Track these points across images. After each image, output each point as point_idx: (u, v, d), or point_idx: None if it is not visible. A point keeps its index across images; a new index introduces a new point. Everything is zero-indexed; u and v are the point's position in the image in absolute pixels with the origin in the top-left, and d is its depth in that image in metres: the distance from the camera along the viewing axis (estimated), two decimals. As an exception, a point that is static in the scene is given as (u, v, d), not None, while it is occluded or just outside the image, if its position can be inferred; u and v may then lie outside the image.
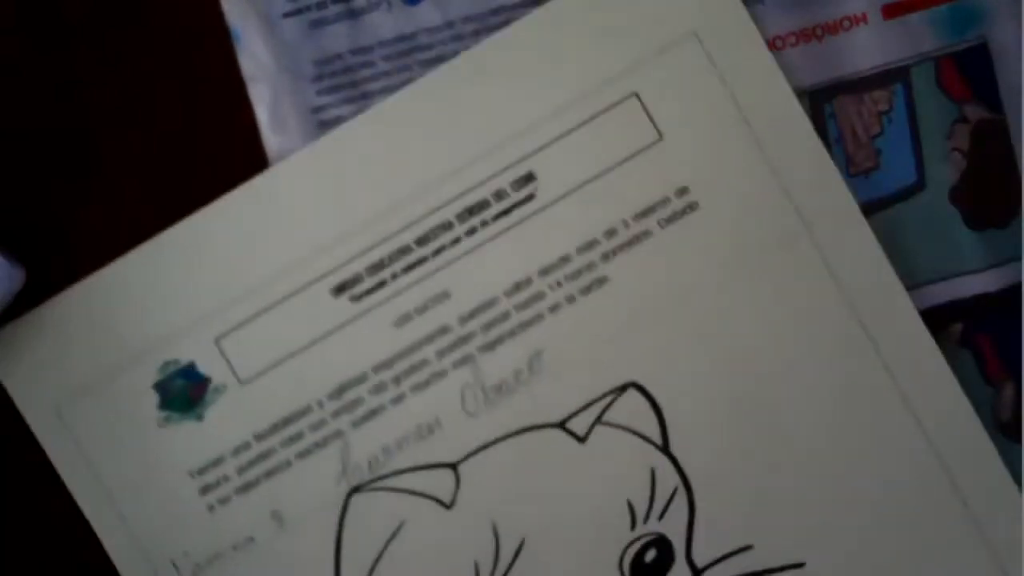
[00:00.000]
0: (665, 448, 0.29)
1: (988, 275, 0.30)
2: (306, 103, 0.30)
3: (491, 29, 0.29)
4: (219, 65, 0.30)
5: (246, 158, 0.30)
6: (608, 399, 0.29)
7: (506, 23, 0.29)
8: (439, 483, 0.29)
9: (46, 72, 0.30)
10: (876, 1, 0.30)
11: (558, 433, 0.29)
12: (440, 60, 0.29)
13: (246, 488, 0.29)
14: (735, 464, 0.29)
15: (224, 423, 0.29)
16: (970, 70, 0.30)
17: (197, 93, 0.30)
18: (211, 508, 0.29)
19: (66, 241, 0.30)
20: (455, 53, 0.29)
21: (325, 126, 0.30)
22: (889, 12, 0.30)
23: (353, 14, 0.30)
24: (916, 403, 0.29)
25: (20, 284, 0.29)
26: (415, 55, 0.30)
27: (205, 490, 0.29)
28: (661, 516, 0.29)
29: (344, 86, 0.30)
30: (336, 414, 0.29)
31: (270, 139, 0.30)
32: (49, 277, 0.30)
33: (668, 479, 0.29)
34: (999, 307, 0.30)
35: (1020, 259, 0.30)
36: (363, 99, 0.30)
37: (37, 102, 0.30)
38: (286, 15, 0.30)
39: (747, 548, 0.29)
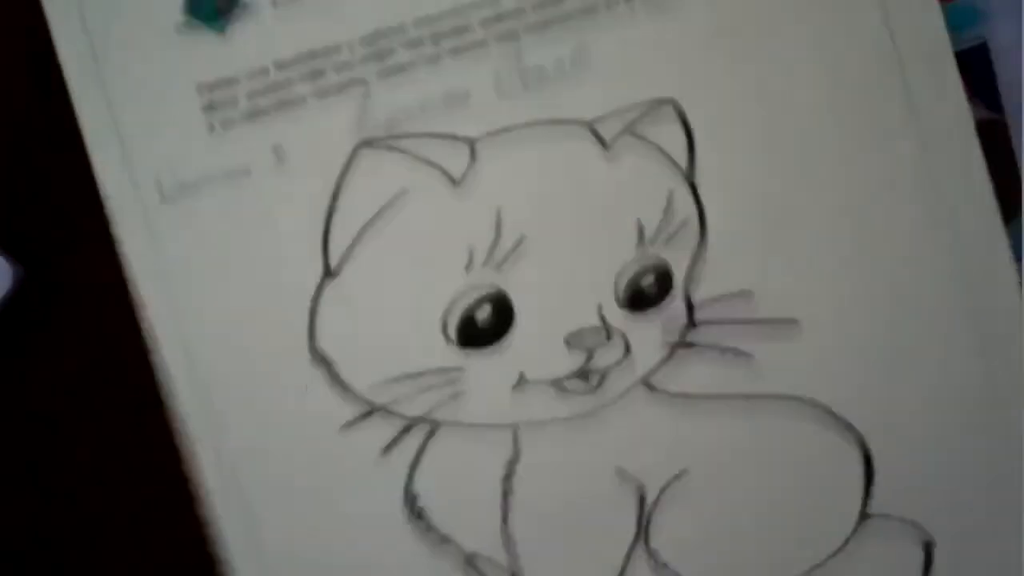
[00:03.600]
0: (689, 174, 0.29)
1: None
2: None
3: None
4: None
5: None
6: (642, 110, 0.28)
7: None
8: (453, 155, 0.28)
9: (46, 72, 0.29)
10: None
11: (584, 132, 0.28)
12: None
13: (254, 115, 0.28)
14: (753, 205, 0.29)
15: (246, 42, 0.28)
16: (970, 70, 0.30)
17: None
18: (212, 128, 0.28)
19: (66, 241, 0.29)
20: None
21: None
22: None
23: None
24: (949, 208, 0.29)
25: (19, 283, 0.28)
26: None
27: (210, 108, 0.28)
28: (667, 242, 0.29)
29: None
30: (365, 60, 0.28)
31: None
32: (49, 277, 0.29)
33: (684, 206, 0.29)
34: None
35: (1020, 259, 0.30)
36: None
37: (37, 102, 0.29)
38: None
39: (747, 293, 0.29)
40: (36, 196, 0.30)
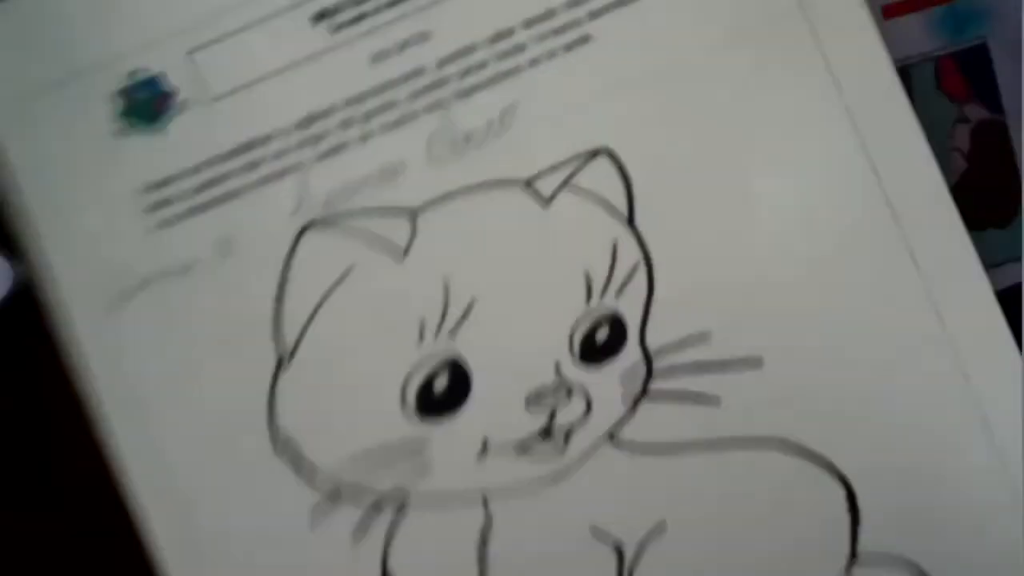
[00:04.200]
0: (630, 221, 0.29)
1: (988, 276, 0.29)
2: None
3: None
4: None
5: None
6: (578, 163, 0.28)
7: None
8: (395, 229, 0.28)
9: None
10: (876, 1, 0.30)
11: (522, 192, 0.28)
12: None
13: (196, 210, 0.28)
14: (700, 246, 0.28)
15: (184, 140, 0.28)
16: (970, 70, 0.30)
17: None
18: (158, 226, 0.28)
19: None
20: None
21: None
22: (889, 12, 0.29)
23: None
24: (906, 220, 0.29)
25: (19, 283, 0.29)
26: None
27: (155, 207, 0.28)
28: (619, 293, 0.28)
29: None
30: (300, 145, 0.28)
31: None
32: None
33: (630, 253, 0.28)
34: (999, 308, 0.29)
35: (1020, 260, 0.29)
36: None
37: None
38: None
39: (704, 335, 0.28)
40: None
